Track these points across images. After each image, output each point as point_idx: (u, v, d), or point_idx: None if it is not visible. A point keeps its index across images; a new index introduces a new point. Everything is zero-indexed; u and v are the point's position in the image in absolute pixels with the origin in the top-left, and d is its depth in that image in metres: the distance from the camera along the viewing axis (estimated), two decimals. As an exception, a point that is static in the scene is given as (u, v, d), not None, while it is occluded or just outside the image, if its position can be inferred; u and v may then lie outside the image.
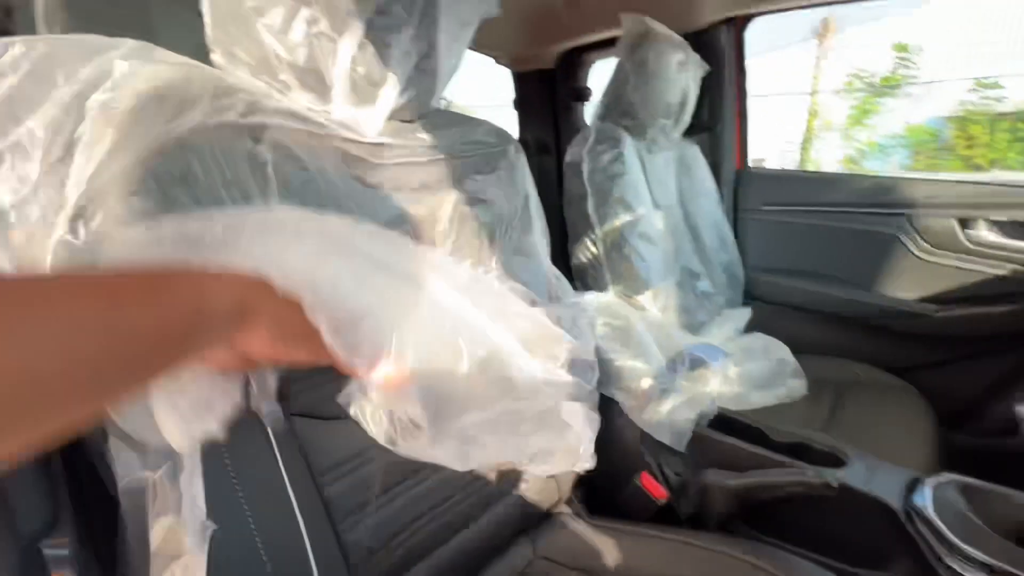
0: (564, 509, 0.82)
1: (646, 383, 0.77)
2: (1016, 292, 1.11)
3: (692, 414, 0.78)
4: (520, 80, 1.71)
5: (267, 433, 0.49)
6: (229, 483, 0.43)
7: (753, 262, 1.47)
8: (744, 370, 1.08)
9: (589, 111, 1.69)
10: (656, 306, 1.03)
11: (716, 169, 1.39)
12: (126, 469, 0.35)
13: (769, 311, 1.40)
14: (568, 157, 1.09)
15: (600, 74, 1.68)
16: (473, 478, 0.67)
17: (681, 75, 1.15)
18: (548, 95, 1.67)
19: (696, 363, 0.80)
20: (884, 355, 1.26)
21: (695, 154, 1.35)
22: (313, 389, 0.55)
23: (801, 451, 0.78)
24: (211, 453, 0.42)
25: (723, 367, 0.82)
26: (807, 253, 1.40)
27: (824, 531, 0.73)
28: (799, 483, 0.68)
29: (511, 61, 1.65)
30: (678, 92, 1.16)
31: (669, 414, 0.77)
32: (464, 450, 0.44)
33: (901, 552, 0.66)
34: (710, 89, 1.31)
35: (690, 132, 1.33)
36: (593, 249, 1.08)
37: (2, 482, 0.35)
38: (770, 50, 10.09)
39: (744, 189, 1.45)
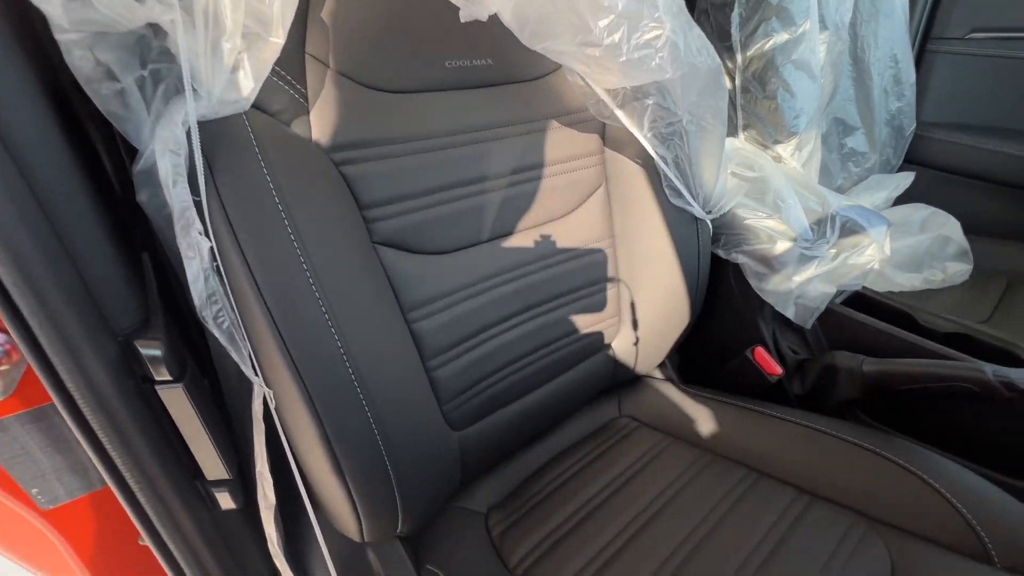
0: (656, 374, 0.77)
1: (781, 247, 0.63)
2: None
3: (831, 288, 0.65)
4: None
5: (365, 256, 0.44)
6: (315, 300, 0.39)
7: (929, 114, 1.14)
8: (893, 247, 0.89)
9: None
10: (798, 159, 0.83)
11: (916, -25, 1.01)
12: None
13: (935, 180, 1.12)
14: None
15: None
16: (563, 333, 0.62)
17: None
18: None
19: (849, 228, 0.64)
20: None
21: (890, -50, 0.97)
22: (399, 217, 0.49)
23: (963, 344, 0.64)
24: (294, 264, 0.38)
25: (882, 236, 0.65)
26: (1013, 102, 1.05)
27: (968, 432, 0.63)
28: (968, 380, 0.55)
29: None
30: None
31: (802, 286, 0.64)
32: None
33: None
34: None
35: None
36: (727, 83, 0.85)
37: (93, 278, 0.33)
38: None
39: (948, 7, 1.06)
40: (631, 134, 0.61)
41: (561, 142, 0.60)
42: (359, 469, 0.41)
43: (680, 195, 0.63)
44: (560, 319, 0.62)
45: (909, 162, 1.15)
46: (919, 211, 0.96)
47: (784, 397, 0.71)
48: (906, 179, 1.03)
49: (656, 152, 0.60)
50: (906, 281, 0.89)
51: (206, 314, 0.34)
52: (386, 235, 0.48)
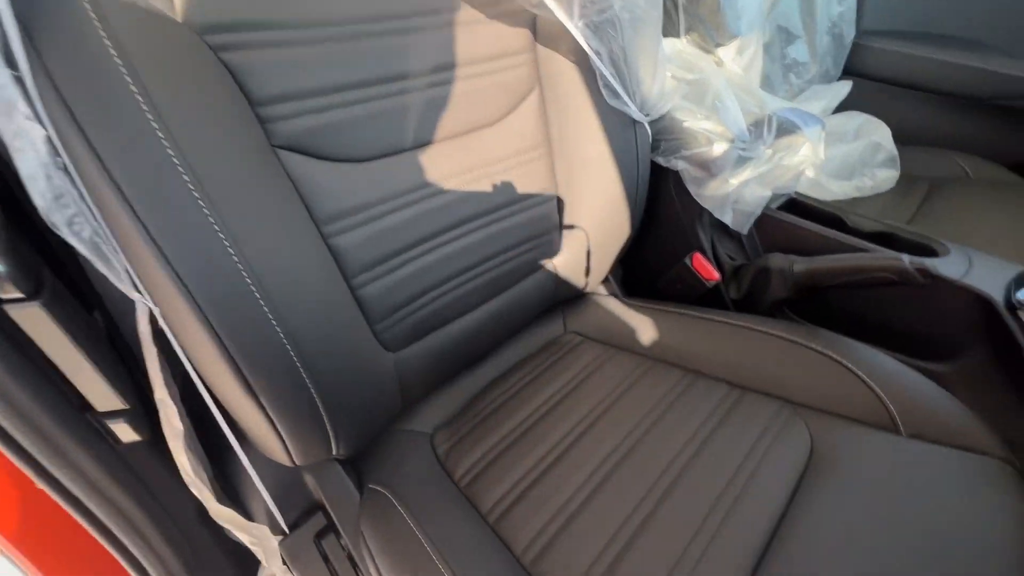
0: (600, 289, 0.77)
1: (719, 149, 0.62)
2: None
3: (767, 192, 0.65)
4: None
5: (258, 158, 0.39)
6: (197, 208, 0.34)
7: (869, 22, 1.13)
8: (828, 155, 0.91)
9: None
10: (739, 63, 0.80)
11: None
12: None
13: (869, 90, 1.13)
14: None
15: None
16: (500, 249, 0.59)
17: None
18: None
19: (785, 128, 0.63)
20: (1005, 146, 1.03)
21: None
22: (301, 117, 0.43)
23: (885, 241, 0.67)
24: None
25: (816, 136, 0.65)
26: (952, 6, 1.05)
27: (886, 322, 0.67)
28: (888, 269, 0.58)
29: None
30: None
31: (739, 189, 0.64)
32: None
33: (977, 347, 0.60)
34: None
35: None
36: (668, -21, 0.80)
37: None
38: None
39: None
40: (563, 27, 0.56)
41: (487, 37, 0.55)
42: (274, 390, 0.38)
43: (617, 95, 0.60)
44: (496, 234, 0.59)
45: (847, 73, 1.15)
46: (853, 119, 0.98)
47: (721, 302, 0.73)
48: (843, 88, 1.03)
49: (589, 45, 0.55)
50: (839, 189, 0.92)
51: (56, 220, 0.29)
52: (288, 138, 0.42)
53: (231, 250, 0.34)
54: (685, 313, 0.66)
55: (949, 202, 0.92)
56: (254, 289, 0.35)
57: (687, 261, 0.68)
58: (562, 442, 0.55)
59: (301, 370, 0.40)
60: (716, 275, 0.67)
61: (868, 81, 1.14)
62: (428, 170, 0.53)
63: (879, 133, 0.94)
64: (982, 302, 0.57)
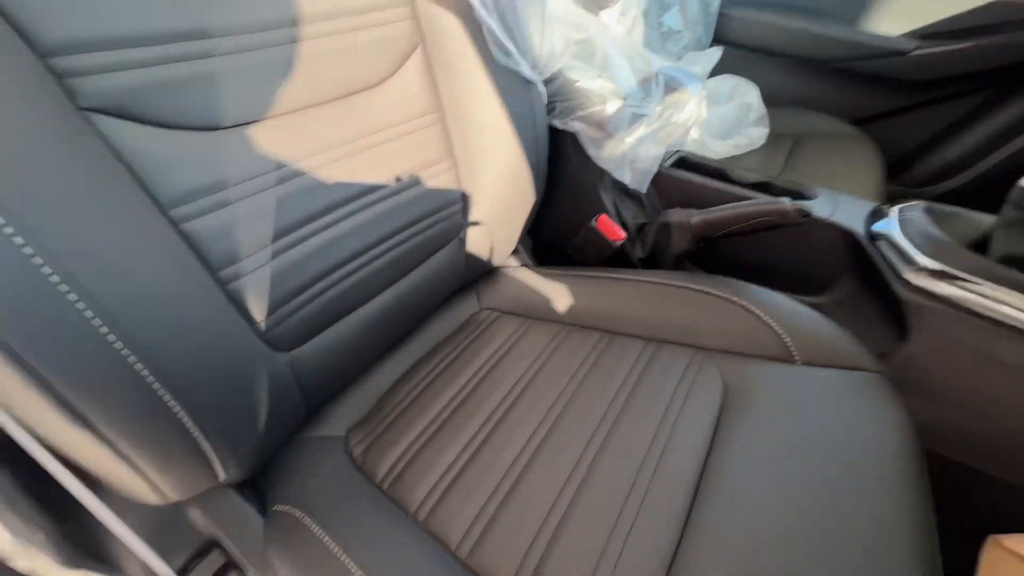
0: (510, 261, 0.75)
1: (613, 106, 0.61)
2: (1006, 22, 1.00)
3: (660, 150, 0.66)
4: None
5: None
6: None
7: (732, -9, 1.22)
8: (708, 116, 0.96)
9: None
10: (623, 25, 0.81)
11: None
12: None
13: (735, 57, 1.22)
14: None
15: None
16: (398, 227, 0.54)
17: None
18: None
19: (672, 85, 0.65)
20: (847, 104, 1.17)
21: None
22: (119, 72, 0.34)
23: (765, 189, 0.72)
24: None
25: (699, 92, 0.67)
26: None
27: (772, 264, 0.72)
28: (772, 212, 0.62)
29: None
30: None
31: (635, 148, 0.64)
32: None
33: (848, 277, 0.67)
34: None
35: None
36: (546, -63, 0.78)
37: None
38: None
39: None
40: (440, -25, 0.51)
41: (356, -17, 0.48)
42: (121, 419, 0.30)
43: (508, 53, 0.56)
44: (390, 211, 0.53)
45: (716, 41, 1.23)
46: (727, 82, 1.04)
47: (628, 262, 0.74)
48: (716, 53, 1.10)
49: (472, -4, 0.51)
50: (720, 148, 0.98)
51: None
52: (102, 98, 0.33)
53: (18, 239, 0.26)
54: (596, 276, 0.66)
55: (809, 154, 1.02)
56: (66, 290, 0.27)
57: (593, 224, 0.68)
58: (487, 424, 0.52)
59: (158, 388, 0.32)
60: (622, 235, 0.67)
61: (734, 48, 1.23)
62: (302, 140, 0.46)
63: (750, 94, 1.01)
64: (848, 236, 0.63)
